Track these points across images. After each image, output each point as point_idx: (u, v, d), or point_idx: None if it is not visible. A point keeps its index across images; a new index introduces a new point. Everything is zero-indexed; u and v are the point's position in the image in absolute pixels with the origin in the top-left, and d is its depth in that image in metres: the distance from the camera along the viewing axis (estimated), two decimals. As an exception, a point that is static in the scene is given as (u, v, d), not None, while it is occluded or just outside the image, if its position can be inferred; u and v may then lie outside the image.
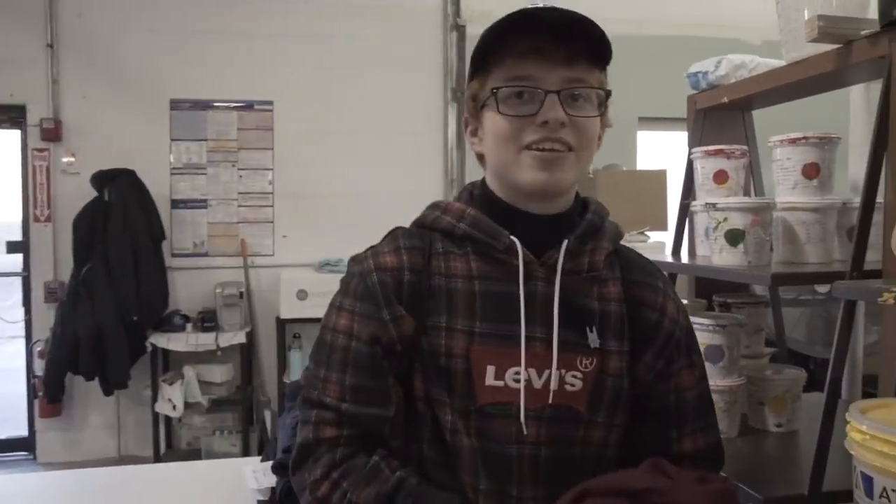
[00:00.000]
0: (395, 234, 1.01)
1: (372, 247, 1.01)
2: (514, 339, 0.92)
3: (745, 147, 1.74)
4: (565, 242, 0.95)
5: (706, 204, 1.55)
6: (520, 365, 0.91)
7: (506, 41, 0.90)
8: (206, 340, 3.86)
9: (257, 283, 4.18)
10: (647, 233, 4.16)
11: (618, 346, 0.97)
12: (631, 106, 4.59)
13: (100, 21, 4.08)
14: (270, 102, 4.27)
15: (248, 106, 4.25)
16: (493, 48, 0.92)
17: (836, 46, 1.37)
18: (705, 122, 1.91)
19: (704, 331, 1.60)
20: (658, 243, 4.15)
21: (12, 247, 4.37)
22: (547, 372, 0.92)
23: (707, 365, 1.60)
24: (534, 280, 0.94)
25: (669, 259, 1.90)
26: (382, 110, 4.30)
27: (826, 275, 1.38)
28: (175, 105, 4.20)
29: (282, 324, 3.92)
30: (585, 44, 0.91)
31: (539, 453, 0.92)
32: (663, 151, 4.71)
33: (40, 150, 4.11)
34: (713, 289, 1.89)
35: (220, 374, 3.95)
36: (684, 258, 1.90)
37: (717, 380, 1.59)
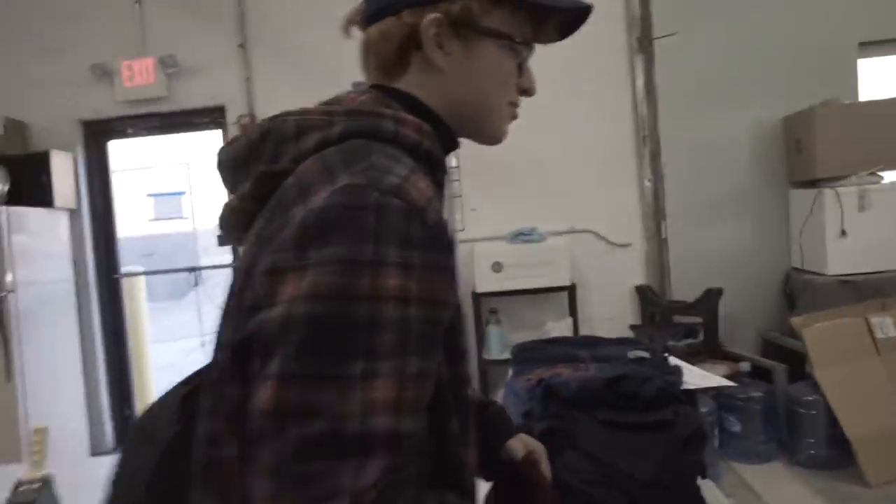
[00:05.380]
0: (378, 148, 0.72)
1: (374, 167, 0.68)
2: None
3: None
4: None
5: None
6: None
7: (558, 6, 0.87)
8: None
9: (451, 259, 4.16)
10: (881, 173, 3.65)
11: None
12: (848, 31, 4.04)
13: (285, 18, 4.22)
14: (448, 75, 4.22)
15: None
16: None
17: None
18: None
19: None
20: (890, 185, 3.64)
21: (223, 240, 4.70)
22: None
23: None
24: None
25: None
26: (562, 69, 4.07)
27: None
28: (358, 90, 4.27)
29: (477, 298, 3.87)
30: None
31: None
32: (890, 79, 4.11)
33: (241, 147, 4.35)
34: None
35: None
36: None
37: None
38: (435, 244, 0.66)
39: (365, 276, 0.62)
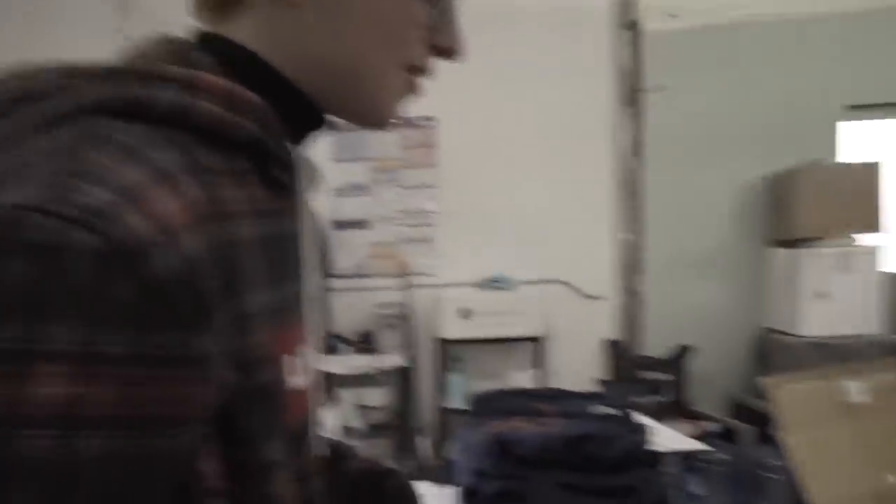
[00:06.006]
0: (123, 134, 0.41)
1: (79, 169, 0.38)
2: (296, 302, 0.53)
3: None
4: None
5: None
6: (304, 343, 0.53)
7: None
8: (363, 363, 3.74)
9: (418, 304, 4.02)
10: (856, 236, 3.61)
11: None
12: (833, 94, 4.06)
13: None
14: (433, 118, 4.09)
15: (411, 123, 4.09)
16: None
17: None
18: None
19: None
20: (868, 248, 3.59)
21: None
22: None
23: None
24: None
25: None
26: (550, 120, 4.02)
27: None
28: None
29: (443, 345, 3.73)
30: None
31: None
32: (871, 143, 4.11)
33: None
34: None
35: (378, 397, 3.82)
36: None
37: None
38: (166, 311, 0.37)
39: None
